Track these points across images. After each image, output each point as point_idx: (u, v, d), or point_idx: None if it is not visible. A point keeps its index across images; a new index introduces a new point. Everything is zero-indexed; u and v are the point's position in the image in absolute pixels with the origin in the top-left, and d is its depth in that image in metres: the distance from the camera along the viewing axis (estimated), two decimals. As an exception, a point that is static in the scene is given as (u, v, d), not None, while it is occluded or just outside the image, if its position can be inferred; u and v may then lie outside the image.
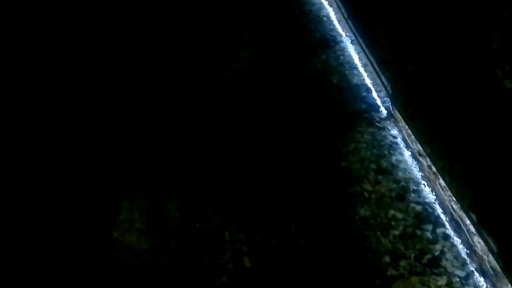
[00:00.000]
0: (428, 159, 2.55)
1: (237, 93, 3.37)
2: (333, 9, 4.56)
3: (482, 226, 2.08)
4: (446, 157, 2.34)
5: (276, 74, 3.60)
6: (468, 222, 2.19)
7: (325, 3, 4.71)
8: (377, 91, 3.36)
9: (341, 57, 3.78)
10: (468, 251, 2.19)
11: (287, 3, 4.63)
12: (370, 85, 3.43)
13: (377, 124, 3.03)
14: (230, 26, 4.23)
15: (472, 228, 2.16)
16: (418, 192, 2.54)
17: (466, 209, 2.18)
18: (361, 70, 3.61)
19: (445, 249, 2.24)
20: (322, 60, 3.75)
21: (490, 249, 2.03)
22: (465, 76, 1.87)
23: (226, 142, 2.96)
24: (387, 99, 3.19)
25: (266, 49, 3.91)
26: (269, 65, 3.72)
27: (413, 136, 2.74)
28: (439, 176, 2.45)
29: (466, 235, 2.21)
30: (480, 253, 2.11)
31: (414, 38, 2.44)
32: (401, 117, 2.90)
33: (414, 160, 2.71)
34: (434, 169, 2.50)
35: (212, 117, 3.19)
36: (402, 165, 2.72)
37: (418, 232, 2.33)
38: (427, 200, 2.48)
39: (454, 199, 2.29)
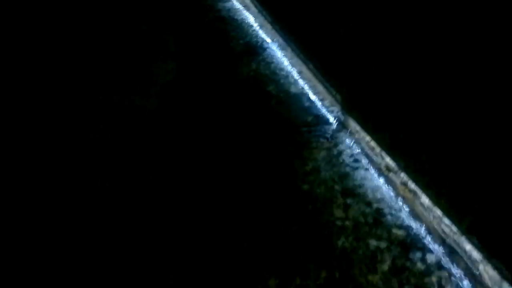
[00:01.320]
0: (403, 175, 2.22)
1: (164, 112, 2.84)
2: (251, 13, 4.18)
3: (489, 252, 1.78)
4: (429, 172, 2.02)
5: (205, 87, 3.13)
6: (468, 247, 1.88)
7: (240, 7, 4.33)
8: (320, 99, 3.01)
9: (272, 65, 3.40)
10: (472, 282, 1.87)
11: (203, 9, 4.18)
12: (311, 94, 3.07)
13: (330, 137, 2.67)
14: (154, 37, 3.69)
15: (475, 255, 1.85)
16: (395, 214, 2.19)
17: (465, 232, 1.87)
18: (297, 77, 3.25)
19: (443, 282, 1.90)
20: (253, 68, 3.34)
21: (506, 278, 1.72)
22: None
23: (163, 180, 2.43)
24: (336, 108, 2.85)
25: (192, 60, 3.42)
26: (196, 77, 3.23)
27: (378, 149, 2.40)
28: (420, 194, 2.12)
29: (466, 263, 1.89)
30: (489, 283, 1.80)
31: (385, 31, 2.10)
32: (358, 128, 2.56)
33: (381, 177, 2.38)
34: (412, 186, 2.17)
35: (139, 142, 2.64)
36: (368, 183, 2.37)
37: (408, 264, 1.98)
38: (407, 223, 2.14)
39: (446, 222, 1.97)
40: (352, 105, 2.61)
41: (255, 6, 4.17)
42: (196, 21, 3.97)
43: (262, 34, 3.84)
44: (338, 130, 2.71)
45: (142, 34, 3.76)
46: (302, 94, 3.07)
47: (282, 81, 3.20)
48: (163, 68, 3.22)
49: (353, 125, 2.63)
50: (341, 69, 2.66)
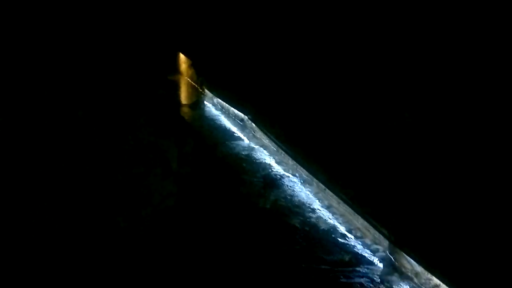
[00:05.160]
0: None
1: (155, 245, 2.21)
2: (268, 151, 3.72)
3: None
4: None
5: (214, 216, 2.53)
6: None
7: (256, 146, 3.88)
8: (356, 236, 2.39)
9: (295, 198, 2.83)
10: None
11: (211, 147, 3.76)
12: (345, 230, 2.46)
13: (380, 282, 2.00)
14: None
15: None
16: None
17: None
18: (326, 212, 2.66)
19: None
20: (272, 200, 2.78)
21: None
22: None
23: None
24: (380, 246, 2.21)
25: (197, 185, 2.88)
26: (202, 204, 2.66)
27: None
28: None
29: None
30: None
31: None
32: (420, 269, 1.90)
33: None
34: None
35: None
36: None
37: None
38: None
39: None
40: (408, 238, 1.98)
41: (274, 144, 3.72)
42: (203, 156, 3.48)
43: (281, 169, 3.34)
44: (388, 272, 2.04)
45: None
46: (334, 230, 2.45)
47: (308, 214, 2.61)
48: (161, 187, 2.65)
49: (408, 265, 1.97)
50: (390, 196, 2.09)
